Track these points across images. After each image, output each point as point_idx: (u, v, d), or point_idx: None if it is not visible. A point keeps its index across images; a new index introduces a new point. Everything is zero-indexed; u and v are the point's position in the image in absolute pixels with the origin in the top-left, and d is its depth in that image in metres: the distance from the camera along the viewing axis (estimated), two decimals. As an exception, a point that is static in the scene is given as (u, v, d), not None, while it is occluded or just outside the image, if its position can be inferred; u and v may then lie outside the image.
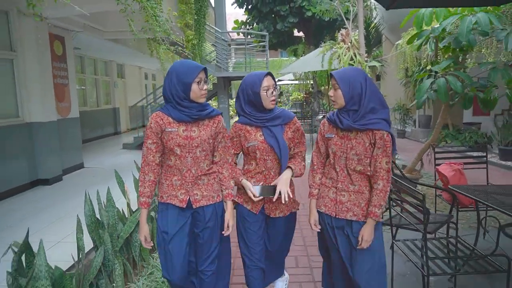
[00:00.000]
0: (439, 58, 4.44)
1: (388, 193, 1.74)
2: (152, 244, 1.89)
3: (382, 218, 1.75)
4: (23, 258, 1.92)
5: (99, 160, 7.75)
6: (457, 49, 3.95)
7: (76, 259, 2.19)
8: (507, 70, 3.55)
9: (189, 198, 1.82)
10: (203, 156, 1.83)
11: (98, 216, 2.51)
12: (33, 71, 5.32)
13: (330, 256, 1.93)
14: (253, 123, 1.92)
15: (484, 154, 3.43)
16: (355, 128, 1.71)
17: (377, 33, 13.14)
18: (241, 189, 2.01)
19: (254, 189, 1.89)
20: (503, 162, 6.41)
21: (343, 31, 6.51)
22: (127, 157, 7.81)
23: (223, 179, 1.93)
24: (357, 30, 6.50)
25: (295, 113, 13.39)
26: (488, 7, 3.61)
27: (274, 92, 1.89)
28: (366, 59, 6.43)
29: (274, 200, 1.89)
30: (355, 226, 1.77)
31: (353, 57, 6.18)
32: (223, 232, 1.91)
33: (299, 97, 18.42)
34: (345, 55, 6.27)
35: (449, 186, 2.79)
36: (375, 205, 1.71)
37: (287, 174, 1.91)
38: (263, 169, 1.96)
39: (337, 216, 1.80)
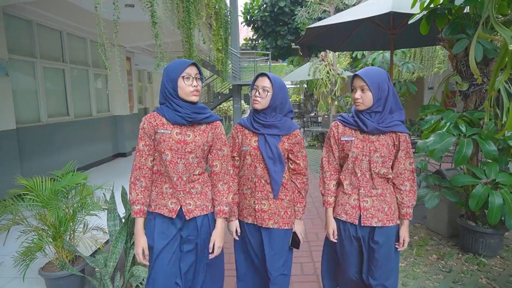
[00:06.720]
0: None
1: (416, 192, 1.72)
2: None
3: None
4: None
5: (146, 145, 10.60)
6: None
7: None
8: (404, 85, 6.35)
9: (181, 208, 1.66)
10: (196, 163, 1.68)
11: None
12: (117, 81, 8.12)
13: (340, 267, 1.87)
14: (250, 128, 1.82)
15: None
16: (381, 130, 1.66)
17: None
18: (240, 204, 1.90)
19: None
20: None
21: (322, 53, 9.34)
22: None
23: (217, 193, 1.74)
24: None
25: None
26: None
27: (261, 92, 1.76)
28: (338, 71, 9.24)
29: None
30: (378, 231, 1.72)
31: (329, 71, 8.99)
32: (209, 256, 1.71)
33: (297, 99, 21.29)
34: (323, 70, 9.08)
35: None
36: (408, 206, 1.70)
37: (299, 225, 1.89)
38: (253, 176, 1.84)
39: (362, 224, 1.73)
